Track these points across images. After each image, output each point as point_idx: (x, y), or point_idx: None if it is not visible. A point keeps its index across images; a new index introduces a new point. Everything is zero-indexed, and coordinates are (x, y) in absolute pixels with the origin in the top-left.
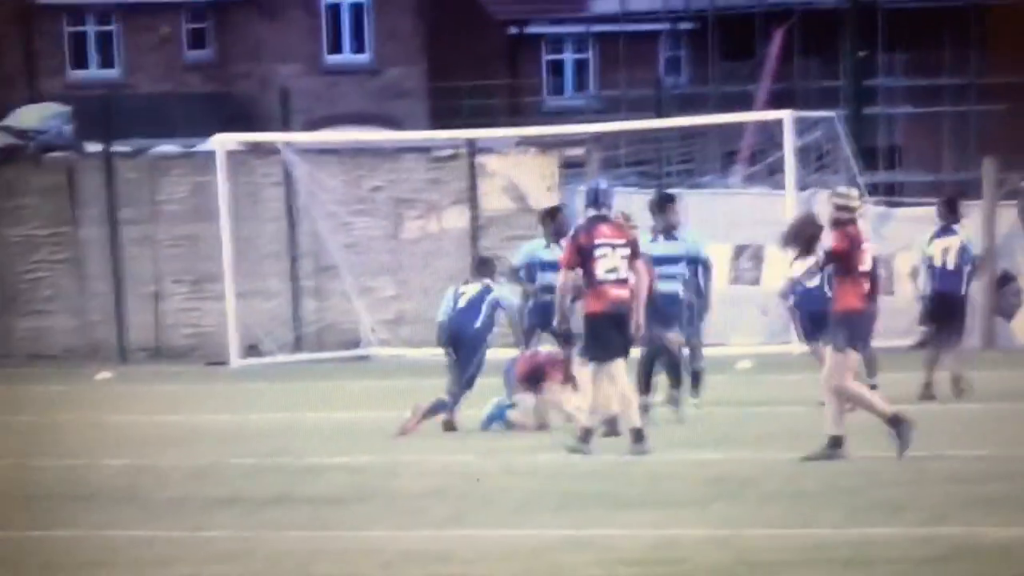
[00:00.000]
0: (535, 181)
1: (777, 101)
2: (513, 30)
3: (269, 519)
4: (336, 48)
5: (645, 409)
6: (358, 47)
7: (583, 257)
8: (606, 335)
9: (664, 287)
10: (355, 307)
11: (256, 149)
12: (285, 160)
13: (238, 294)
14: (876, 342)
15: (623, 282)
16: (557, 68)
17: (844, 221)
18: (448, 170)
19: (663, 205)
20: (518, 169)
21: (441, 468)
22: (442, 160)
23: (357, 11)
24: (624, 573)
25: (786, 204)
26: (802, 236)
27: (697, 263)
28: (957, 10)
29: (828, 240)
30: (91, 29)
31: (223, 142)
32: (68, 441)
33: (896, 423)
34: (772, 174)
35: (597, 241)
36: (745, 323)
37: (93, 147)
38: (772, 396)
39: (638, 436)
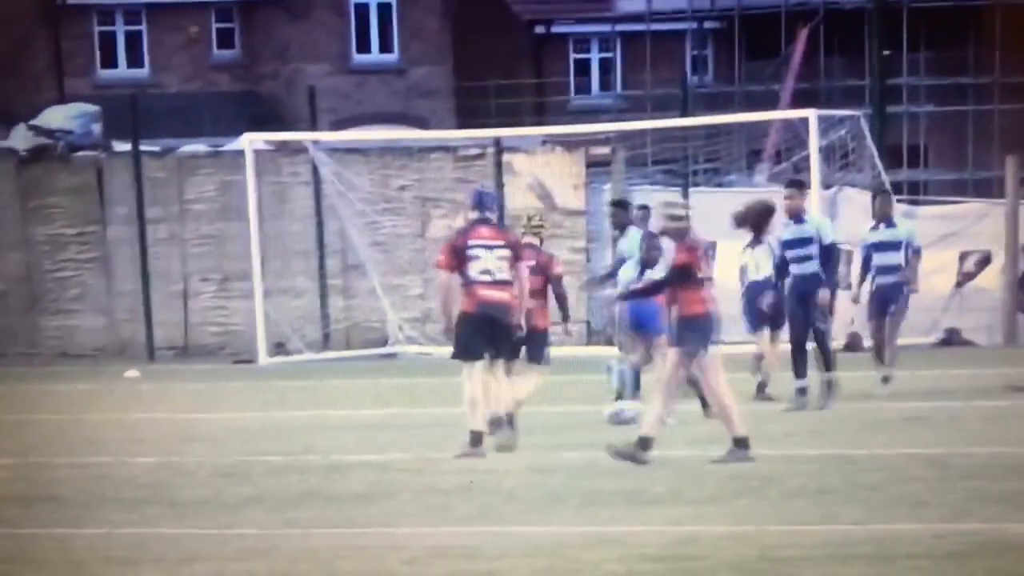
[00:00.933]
0: (561, 180)
1: (802, 100)
2: (539, 29)
3: (295, 517)
4: (363, 48)
5: (802, 392)
6: (385, 47)
7: (458, 258)
8: (470, 335)
9: (801, 269)
10: (382, 305)
11: (284, 148)
12: (313, 159)
13: (266, 292)
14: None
15: (498, 284)
16: (583, 67)
17: (678, 230)
18: (474, 169)
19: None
20: (544, 168)
21: (466, 465)
22: (468, 159)
23: (384, 11)
24: (647, 569)
25: (811, 202)
26: (750, 220)
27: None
28: (980, 9)
29: (671, 253)
30: (120, 29)
31: (251, 141)
32: (96, 439)
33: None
34: (797, 172)
35: (471, 242)
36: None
37: (121, 146)
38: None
39: (476, 439)
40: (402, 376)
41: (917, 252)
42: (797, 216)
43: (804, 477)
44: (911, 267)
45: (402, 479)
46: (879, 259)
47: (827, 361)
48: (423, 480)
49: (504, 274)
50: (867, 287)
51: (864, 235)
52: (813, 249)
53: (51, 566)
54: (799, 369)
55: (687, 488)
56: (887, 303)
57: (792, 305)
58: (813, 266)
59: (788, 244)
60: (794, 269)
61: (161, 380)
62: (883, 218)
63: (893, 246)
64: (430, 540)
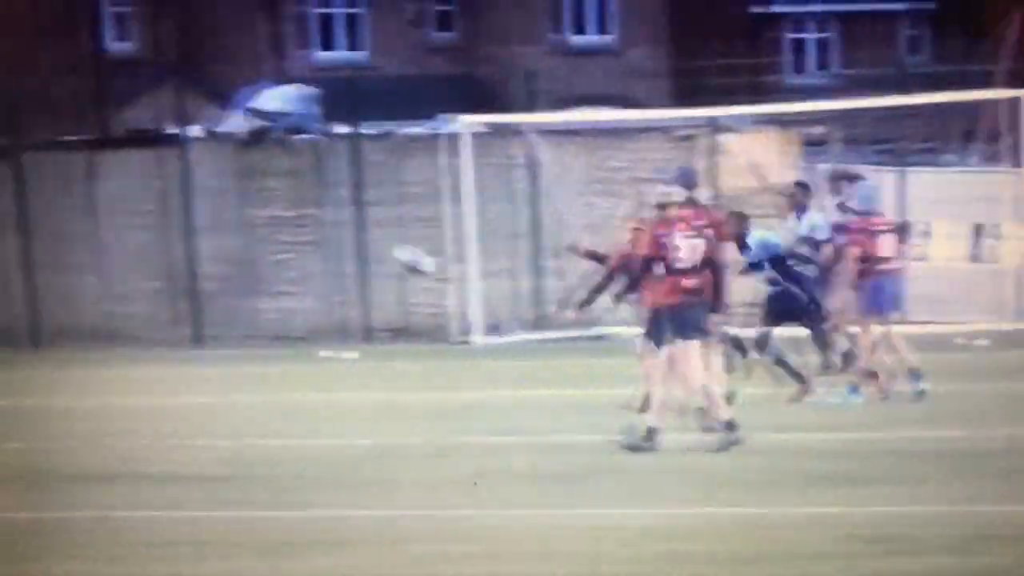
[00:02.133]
0: (775, 159)
1: (1016, 80)
2: (756, 9)
3: (511, 497)
4: (580, 30)
5: None
6: (601, 29)
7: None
8: (668, 325)
9: None
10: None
11: (500, 131)
12: (529, 141)
13: (481, 274)
14: None
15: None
16: (799, 47)
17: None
18: (688, 149)
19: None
20: (759, 148)
21: (676, 445)
22: (682, 140)
23: None
24: (859, 550)
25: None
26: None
27: None
28: None
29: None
30: (338, 11)
31: (468, 124)
32: (317, 419)
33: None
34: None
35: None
36: (984, 301)
37: (340, 129)
38: (1011, 373)
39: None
40: (614, 357)
41: None
42: None
43: (1019, 457)
44: None
45: (614, 460)
46: None
47: None
48: (634, 461)
49: (693, 262)
50: None
51: None
52: None
53: (267, 545)
54: None
55: (902, 468)
56: None
57: None
58: None
59: None
60: None
61: (378, 360)
62: None
63: None
64: (643, 521)
